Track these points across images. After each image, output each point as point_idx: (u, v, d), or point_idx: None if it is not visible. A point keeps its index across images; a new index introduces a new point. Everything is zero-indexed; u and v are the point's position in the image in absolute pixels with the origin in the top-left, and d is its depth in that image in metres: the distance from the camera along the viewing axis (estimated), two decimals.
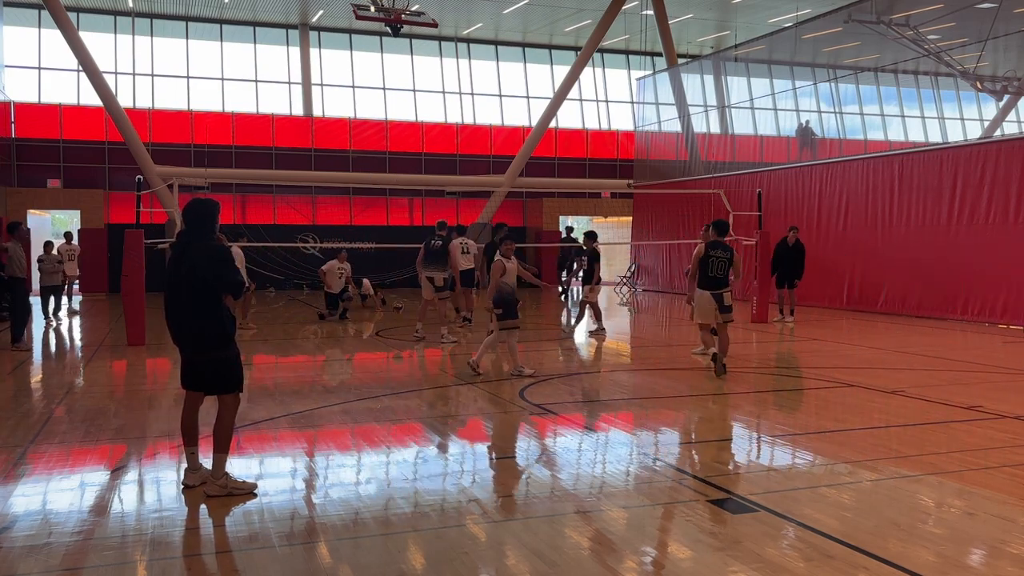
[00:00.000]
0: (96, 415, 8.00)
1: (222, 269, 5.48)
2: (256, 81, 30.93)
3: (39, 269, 17.04)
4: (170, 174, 22.42)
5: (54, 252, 17.52)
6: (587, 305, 15.02)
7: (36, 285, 16.79)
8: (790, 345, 13.89)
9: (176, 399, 8.90)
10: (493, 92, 33.57)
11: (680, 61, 29.68)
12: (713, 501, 5.28)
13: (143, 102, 29.44)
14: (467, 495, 5.53)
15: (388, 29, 23.35)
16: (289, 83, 31.33)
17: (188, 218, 5.60)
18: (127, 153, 26.34)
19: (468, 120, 32.91)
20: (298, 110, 31.16)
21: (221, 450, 5.52)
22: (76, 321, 17.89)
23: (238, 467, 6.29)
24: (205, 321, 5.49)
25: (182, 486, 5.66)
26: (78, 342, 14.66)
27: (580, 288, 14.98)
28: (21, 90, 28.24)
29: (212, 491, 5.43)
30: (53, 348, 14.09)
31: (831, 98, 22.81)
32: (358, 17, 22.82)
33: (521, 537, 4.69)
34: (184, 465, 5.79)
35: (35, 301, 23.19)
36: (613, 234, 33.40)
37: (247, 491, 5.48)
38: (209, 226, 5.59)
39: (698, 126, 27.39)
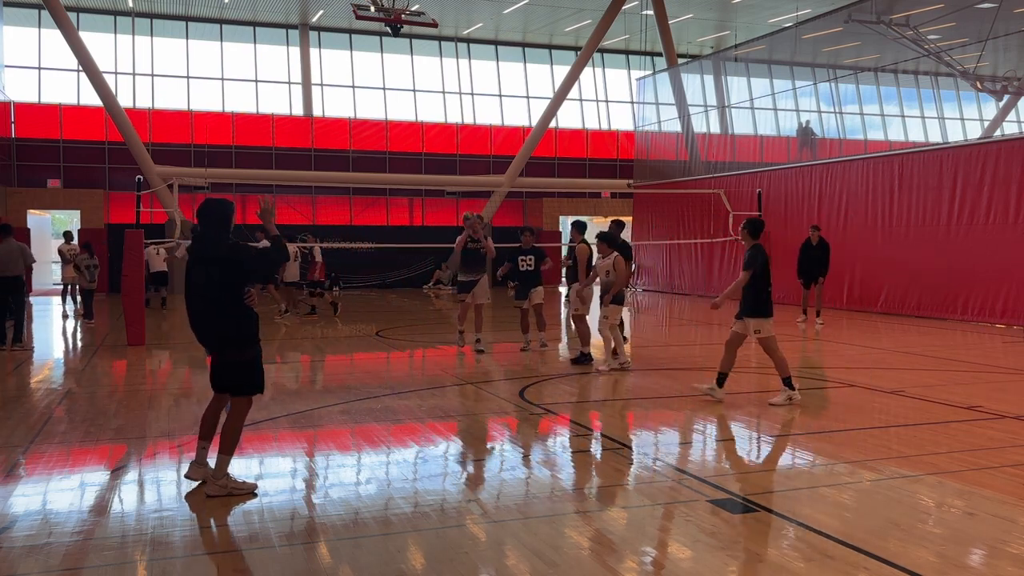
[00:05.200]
0: (96, 415, 8.00)
1: (253, 264, 5.49)
2: (256, 81, 30.94)
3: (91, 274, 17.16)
4: (170, 174, 22.44)
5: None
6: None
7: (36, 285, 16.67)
8: (790, 345, 13.88)
9: (176, 399, 8.91)
10: (493, 92, 33.57)
11: (680, 61, 29.68)
12: (713, 501, 5.28)
13: (143, 102, 29.45)
14: (467, 495, 5.53)
15: (388, 29, 23.35)
16: (289, 83, 31.34)
17: (204, 219, 5.50)
18: (127, 153, 26.34)
19: (468, 120, 32.91)
20: (298, 110, 31.17)
21: (225, 452, 5.50)
22: (71, 322, 17.87)
23: (238, 467, 6.28)
24: (222, 322, 5.46)
25: (185, 477, 5.65)
26: (78, 342, 14.66)
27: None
28: (21, 90, 28.24)
29: (212, 491, 5.42)
30: (53, 348, 14.09)
31: (831, 98, 22.81)
32: (358, 17, 22.83)
33: (521, 537, 4.69)
34: (188, 460, 5.78)
35: (36, 301, 23.18)
36: None
37: (247, 491, 5.47)
38: (226, 226, 5.52)
39: (698, 126, 27.39)
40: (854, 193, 19.92)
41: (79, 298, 18.04)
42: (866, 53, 22.30)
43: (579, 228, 11.84)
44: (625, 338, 11.79)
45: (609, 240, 10.72)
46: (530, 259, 12.23)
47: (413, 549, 4.56)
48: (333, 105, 31.57)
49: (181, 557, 4.45)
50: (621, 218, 13.25)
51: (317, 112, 31.19)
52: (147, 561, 4.37)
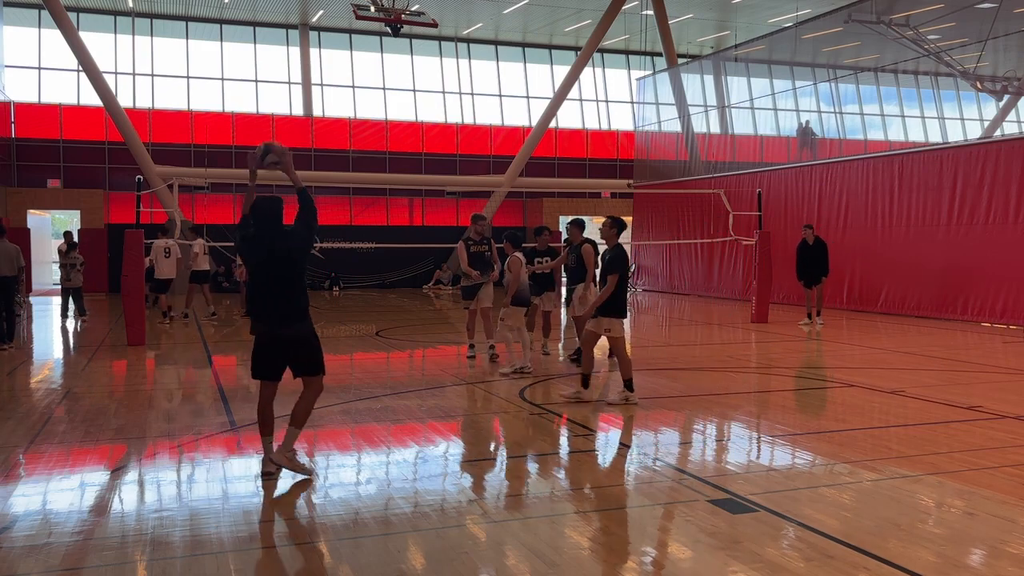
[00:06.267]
0: (96, 415, 8.00)
1: (308, 240, 5.97)
2: (256, 81, 30.94)
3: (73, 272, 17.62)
4: (170, 174, 22.44)
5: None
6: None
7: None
8: (790, 345, 13.88)
9: (176, 399, 8.91)
10: (493, 92, 33.57)
11: (680, 61, 29.69)
12: (713, 501, 5.28)
13: (143, 102, 29.45)
14: (467, 495, 5.53)
15: (388, 29, 23.36)
16: (289, 83, 31.34)
17: (261, 217, 5.87)
18: (127, 153, 26.35)
19: (468, 120, 32.91)
20: (298, 110, 31.17)
21: (297, 425, 5.85)
22: (71, 322, 17.88)
23: (238, 467, 6.30)
24: (300, 302, 5.86)
25: (263, 475, 5.82)
26: (78, 342, 14.66)
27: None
28: (21, 90, 28.24)
29: (278, 458, 5.75)
30: (53, 348, 14.09)
31: (831, 98, 22.82)
32: (358, 17, 22.83)
33: (521, 537, 4.69)
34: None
35: (38, 301, 23.18)
36: None
37: (306, 474, 5.78)
38: (281, 222, 5.92)
39: (698, 126, 27.40)
40: (854, 193, 19.91)
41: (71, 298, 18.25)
42: (866, 53, 22.30)
43: (579, 226, 11.30)
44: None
45: (514, 241, 10.49)
46: (546, 260, 11.73)
47: (413, 549, 4.56)
48: (333, 105, 31.57)
49: (181, 557, 4.45)
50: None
51: (317, 112, 31.19)
52: (147, 561, 4.37)
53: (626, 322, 17.99)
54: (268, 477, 5.81)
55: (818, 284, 16.29)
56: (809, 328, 15.90)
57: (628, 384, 8.49)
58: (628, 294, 10.95)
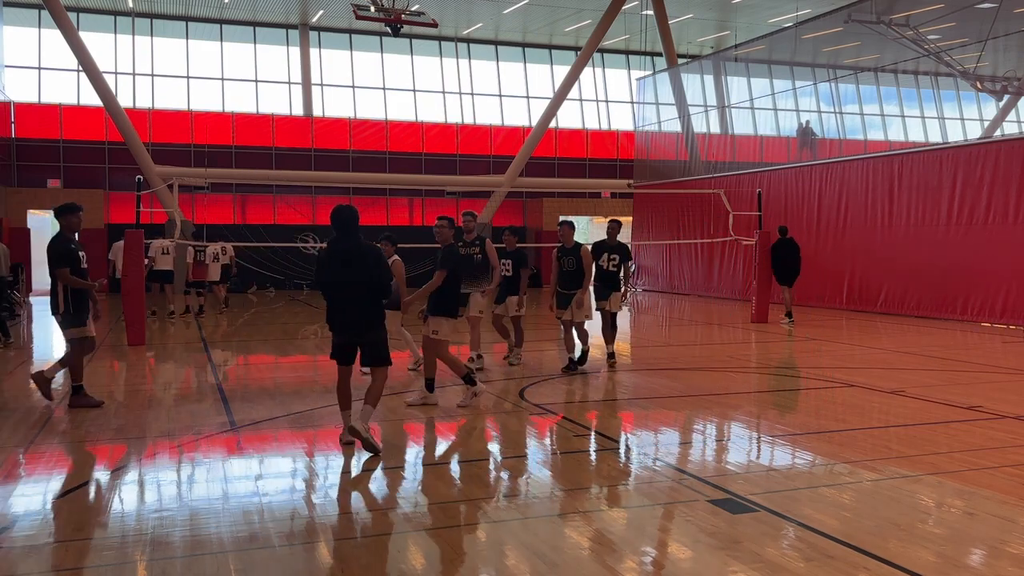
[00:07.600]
0: (96, 415, 7.99)
1: (384, 272, 6.62)
2: (256, 81, 30.93)
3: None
4: (170, 174, 22.44)
5: None
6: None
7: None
8: (789, 345, 13.89)
9: (176, 399, 8.92)
10: (493, 92, 33.57)
11: (680, 61, 29.68)
12: (713, 501, 5.28)
13: (143, 102, 29.44)
14: (467, 495, 5.53)
15: (388, 29, 23.36)
16: (289, 83, 31.33)
17: (343, 224, 6.58)
18: (127, 153, 26.34)
19: (468, 120, 32.91)
20: (298, 110, 31.16)
21: (370, 403, 6.62)
22: None
23: (238, 468, 6.31)
24: (374, 309, 6.64)
25: (344, 439, 6.70)
26: None
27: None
28: (21, 90, 28.23)
29: (359, 427, 6.39)
30: (53, 348, 14.08)
31: (831, 98, 22.81)
32: (358, 17, 22.83)
33: (521, 537, 4.69)
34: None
35: (38, 301, 23.17)
36: None
37: (374, 451, 6.41)
38: (359, 229, 6.64)
39: (698, 126, 27.39)
40: (854, 193, 19.91)
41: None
42: (866, 53, 22.30)
43: (572, 227, 10.78)
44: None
45: (393, 242, 10.23)
46: (508, 264, 10.92)
47: (413, 549, 4.56)
48: (333, 105, 31.56)
49: (181, 557, 4.45)
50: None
51: (317, 112, 31.18)
52: (147, 561, 4.37)
53: (627, 322, 18.02)
54: (349, 445, 6.62)
55: (784, 285, 16.47)
56: (789, 327, 15.87)
57: (429, 384, 8.36)
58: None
